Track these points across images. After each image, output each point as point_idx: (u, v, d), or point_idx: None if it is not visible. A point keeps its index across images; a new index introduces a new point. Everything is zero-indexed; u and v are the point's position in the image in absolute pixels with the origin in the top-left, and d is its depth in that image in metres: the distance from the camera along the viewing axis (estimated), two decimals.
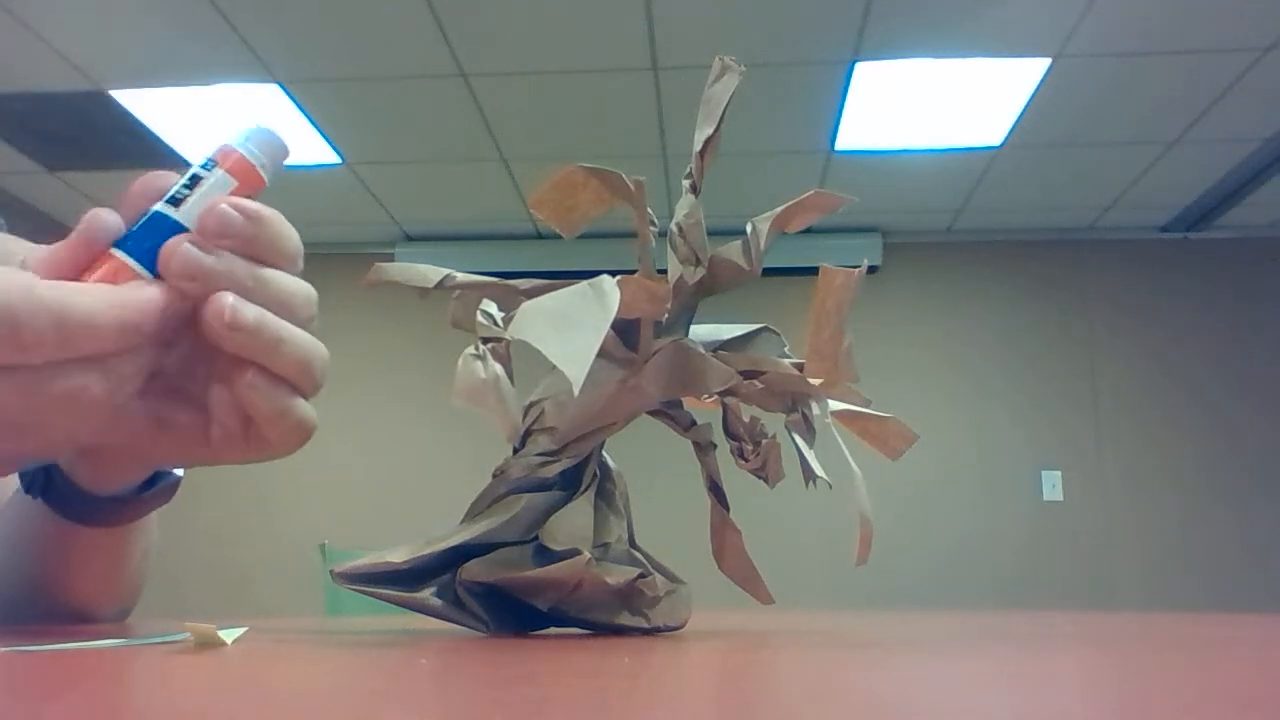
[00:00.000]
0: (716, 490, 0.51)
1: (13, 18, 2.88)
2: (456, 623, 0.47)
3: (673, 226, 0.49)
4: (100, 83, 3.27)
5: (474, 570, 0.46)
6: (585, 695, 0.25)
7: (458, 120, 3.55)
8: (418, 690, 0.25)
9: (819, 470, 0.48)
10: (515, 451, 0.49)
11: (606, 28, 3.01)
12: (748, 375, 0.47)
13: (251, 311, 0.38)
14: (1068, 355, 4.47)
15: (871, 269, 4.50)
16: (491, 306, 0.49)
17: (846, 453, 0.49)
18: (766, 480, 0.50)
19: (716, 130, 0.48)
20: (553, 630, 0.50)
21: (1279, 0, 2.82)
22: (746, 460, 0.49)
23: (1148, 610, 3.26)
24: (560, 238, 0.54)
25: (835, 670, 0.32)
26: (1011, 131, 3.62)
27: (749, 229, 0.49)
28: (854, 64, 3.20)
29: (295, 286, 0.40)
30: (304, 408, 0.40)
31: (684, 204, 0.49)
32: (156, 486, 0.50)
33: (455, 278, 0.49)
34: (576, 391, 0.39)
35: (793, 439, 0.49)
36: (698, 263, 0.48)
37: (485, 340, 0.47)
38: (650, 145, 3.70)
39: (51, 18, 2.90)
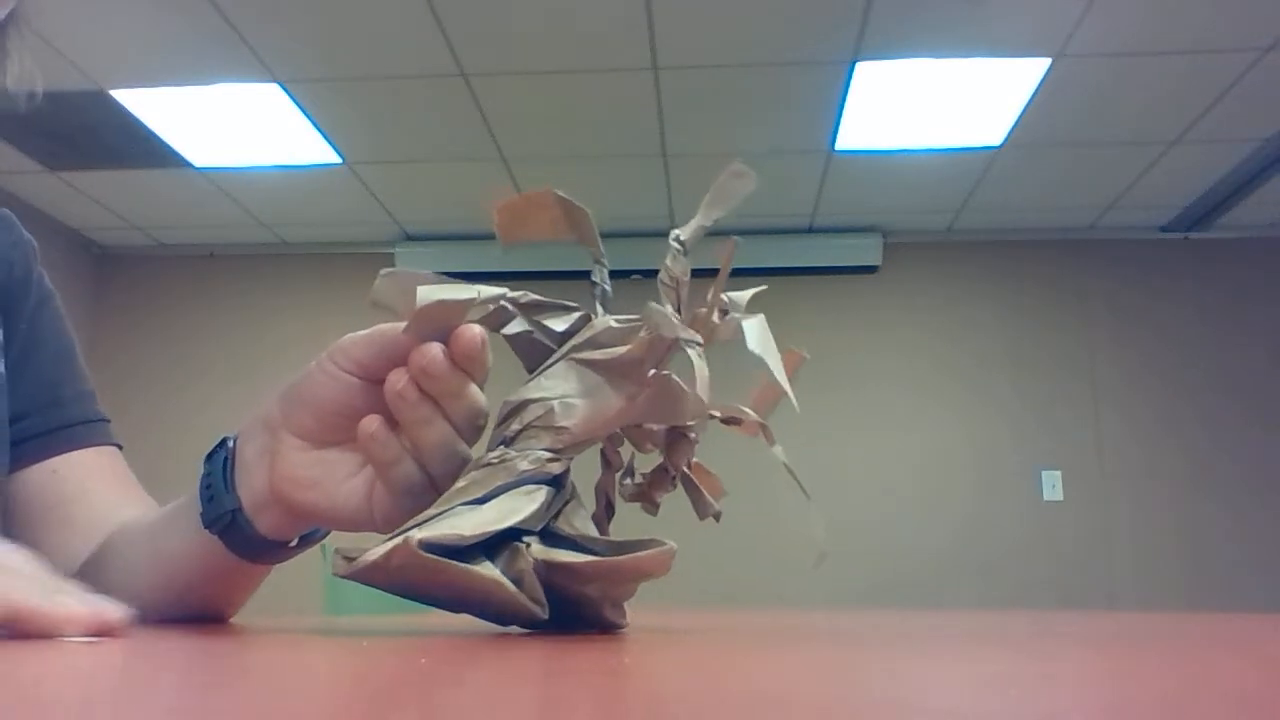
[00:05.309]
0: (609, 505, 0.57)
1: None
2: (513, 610, 0.46)
3: (666, 279, 0.52)
4: (101, 82, 3.27)
5: (554, 554, 0.46)
6: (585, 695, 0.25)
7: (458, 120, 3.55)
8: (418, 690, 0.26)
9: (717, 505, 0.56)
10: (505, 443, 0.50)
11: (606, 28, 3.01)
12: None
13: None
14: (1068, 355, 4.47)
15: (871, 269, 4.52)
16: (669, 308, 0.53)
17: (803, 486, 0.55)
18: (654, 507, 0.57)
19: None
20: (551, 630, 0.50)
21: (1279, 0, 2.82)
22: (634, 484, 0.56)
23: (1147, 610, 3.26)
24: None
25: (835, 669, 0.32)
26: (1011, 131, 3.62)
27: (726, 300, 0.56)
28: (854, 64, 3.20)
29: (481, 401, 0.51)
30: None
31: (678, 263, 0.53)
32: (314, 536, 0.60)
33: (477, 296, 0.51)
34: (798, 409, 0.49)
35: (684, 474, 0.55)
36: (680, 311, 0.53)
37: (683, 342, 0.50)
38: (650, 145, 3.70)
39: (52, 18, 2.90)
